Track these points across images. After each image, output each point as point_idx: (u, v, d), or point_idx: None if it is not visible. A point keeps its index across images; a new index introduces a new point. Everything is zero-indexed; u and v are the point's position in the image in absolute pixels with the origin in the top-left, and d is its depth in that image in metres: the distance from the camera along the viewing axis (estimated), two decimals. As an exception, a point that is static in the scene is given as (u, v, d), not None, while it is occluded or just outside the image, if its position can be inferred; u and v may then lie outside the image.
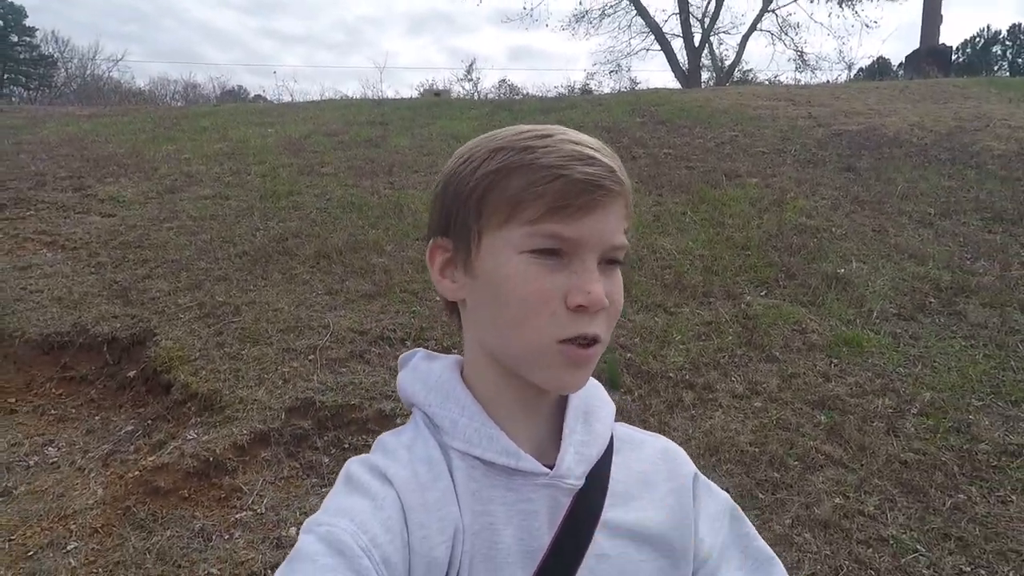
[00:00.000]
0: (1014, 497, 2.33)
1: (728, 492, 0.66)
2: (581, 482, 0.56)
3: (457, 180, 0.55)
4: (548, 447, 0.58)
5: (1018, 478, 2.41)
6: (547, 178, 0.51)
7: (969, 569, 2.04)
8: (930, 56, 10.83)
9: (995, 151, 6.08)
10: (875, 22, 20.00)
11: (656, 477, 0.63)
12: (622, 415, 2.66)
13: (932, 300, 3.71)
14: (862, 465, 2.47)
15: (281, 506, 2.34)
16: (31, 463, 2.69)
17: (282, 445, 2.62)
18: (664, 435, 0.68)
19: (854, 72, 18.31)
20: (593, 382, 0.63)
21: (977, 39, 27.53)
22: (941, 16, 11.14)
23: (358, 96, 12.59)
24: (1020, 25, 27.57)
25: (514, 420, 0.57)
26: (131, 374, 3.18)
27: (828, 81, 13.93)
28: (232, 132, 6.96)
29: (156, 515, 2.29)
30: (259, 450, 2.59)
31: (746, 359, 3.16)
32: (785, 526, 2.18)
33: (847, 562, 2.06)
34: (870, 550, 2.10)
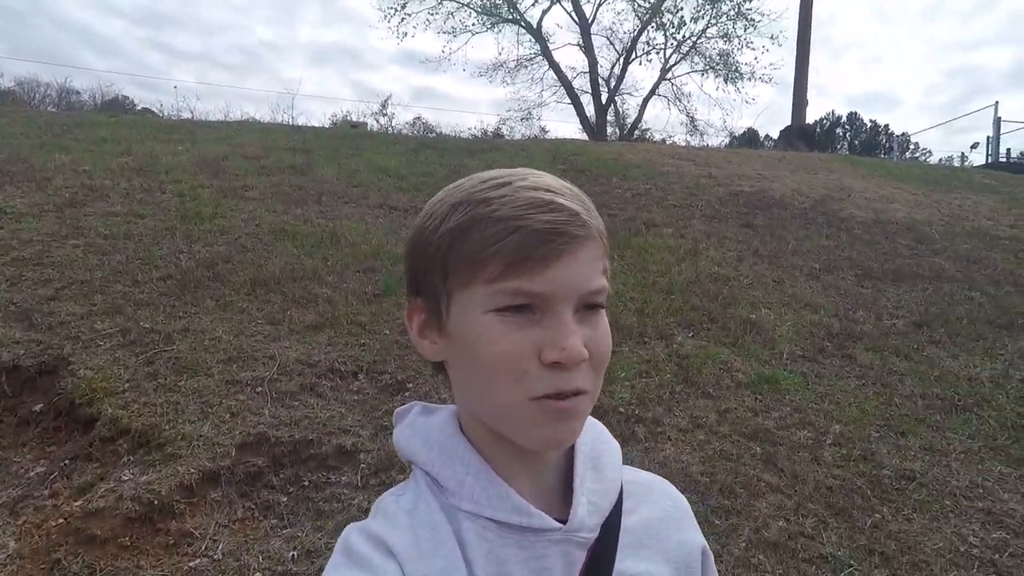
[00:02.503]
0: (915, 515, 2.71)
1: None
2: (595, 534, 0.54)
3: (421, 239, 0.53)
4: (557, 498, 0.56)
5: (916, 499, 2.80)
6: (504, 232, 0.48)
7: (892, 580, 2.34)
8: (800, 132, 12.62)
9: (857, 218, 7.11)
10: (753, 99, 22.85)
11: (665, 526, 0.62)
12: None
13: (828, 344, 4.23)
14: (796, 491, 2.75)
15: (240, 550, 2.17)
16: (-88, 513, 2.28)
17: (234, 484, 2.44)
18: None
19: (729, 140, 20.59)
20: (598, 424, 0.62)
21: (825, 121, 32.34)
22: (807, 100, 13.10)
23: (267, 120, 12.15)
24: (856, 113, 33.04)
25: (517, 473, 0.55)
26: (37, 408, 2.81)
27: (709, 145, 15.50)
28: (137, 147, 6.44)
29: (93, 568, 2.03)
30: (208, 490, 2.39)
31: (685, 395, 3.41)
32: (741, 549, 2.37)
33: (797, 579, 2.27)
34: (814, 567, 2.34)
